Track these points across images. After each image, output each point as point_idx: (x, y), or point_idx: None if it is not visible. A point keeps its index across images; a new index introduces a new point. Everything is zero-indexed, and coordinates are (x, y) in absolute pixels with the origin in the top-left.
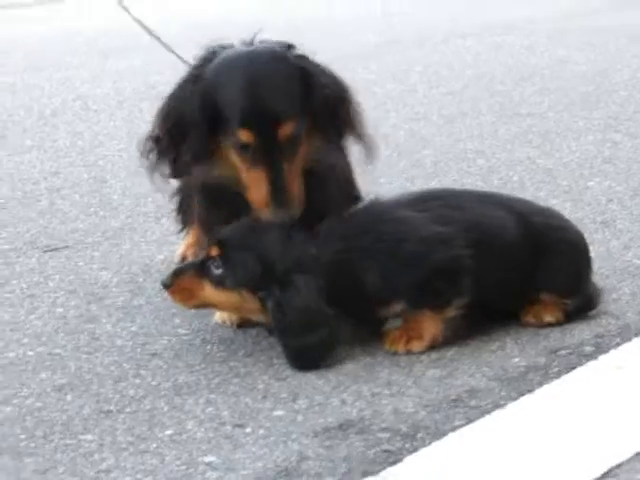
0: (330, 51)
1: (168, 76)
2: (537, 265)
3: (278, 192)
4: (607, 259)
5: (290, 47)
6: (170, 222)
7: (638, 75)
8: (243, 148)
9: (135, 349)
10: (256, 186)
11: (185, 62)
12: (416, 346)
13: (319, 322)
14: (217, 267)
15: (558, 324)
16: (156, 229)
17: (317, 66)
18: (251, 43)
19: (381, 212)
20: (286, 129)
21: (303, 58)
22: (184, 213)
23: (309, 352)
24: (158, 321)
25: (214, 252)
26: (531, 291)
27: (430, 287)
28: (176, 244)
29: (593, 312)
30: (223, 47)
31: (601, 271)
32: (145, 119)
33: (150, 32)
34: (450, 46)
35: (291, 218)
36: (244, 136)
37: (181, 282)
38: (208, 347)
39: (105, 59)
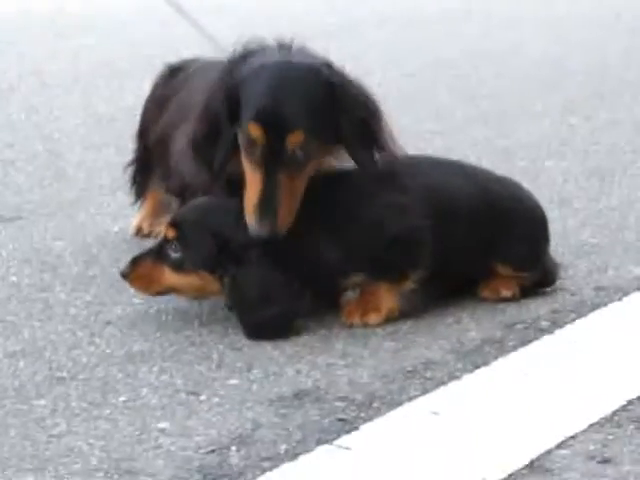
0: (289, 32)
1: (123, 54)
2: (494, 236)
3: (267, 203)
4: (563, 237)
5: (329, 65)
6: (125, 195)
7: (592, 61)
8: (251, 146)
9: (89, 317)
10: (250, 189)
11: (213, 41)
12: (373, 318)
13: (275, 296)
14: (175, 250)
15: (515, 299)
16: (111, 201)
17: (350, 83)
18: (289, 47)
19: (340, 182)
20: (295, 137)
21: (338, 75)
22: (138, 185)
23: (266, 326)
24: (113, 290)
25: (170, 234)
26: (488, 263)
27: (388, 259)
28: (131, 216)
29: (549, 288)
30: (260, 48)
31: (558, 249)
32: (101, 95)
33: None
34: (409, 30)
35: (272, 232)
36: (253, 130)
37: (140, 269)
38: (163, 316)
39: (60, 38)
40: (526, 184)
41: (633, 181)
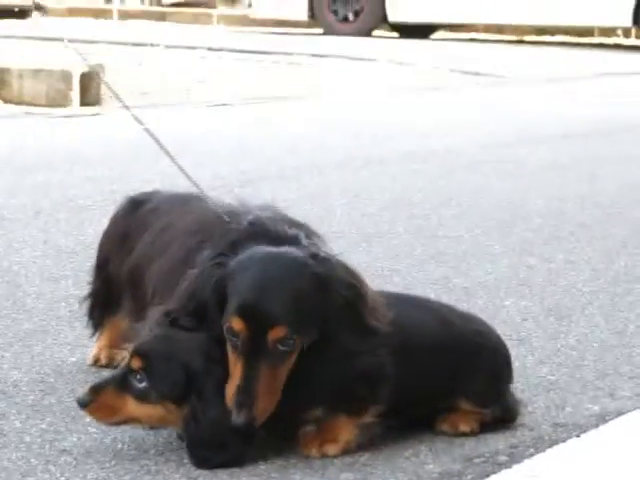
0: (253, 172)
1: (87, 191)
2: (457, 371)
3: (244, 395)
4: (522, 374)
5: (314, 255)
6: (83, 327)
7: (551, 204)
8: (233, 337)
9: (44, 445)
10: (232, 379)
11: (192, 181)
12: (331, 450)
13: (227, 442)
14: (140, 380)
15: (473, 434)
16: (69, 332)
17: (335, 272)
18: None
19: None
20: (276, 333)
21: (324, 265)
22: (97, 317)
23: (213, 465)
24: (69, 419)
25: (136, 365)
26: (450, 397)
27: (349, 393)
28: (89, 347)
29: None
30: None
31: (517, 385)
32: (62, 229)
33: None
34: (369, 171)
35: (249, 421)
36: (235, 324)
37: (101, 399)
38: (119, 445)
39: (20, 175)
40: None
41: (590, 320)
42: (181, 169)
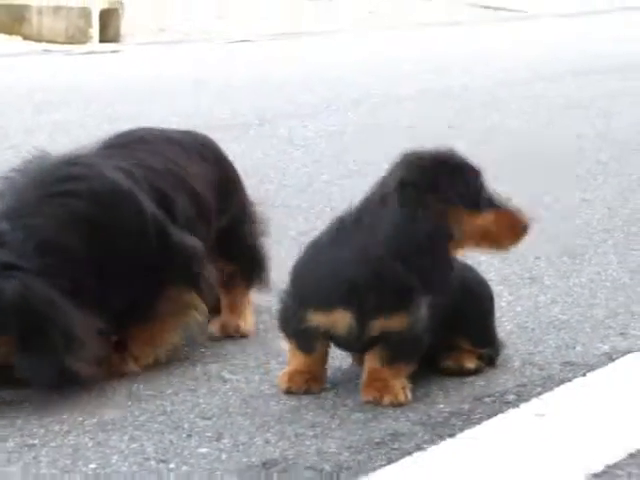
0: (271, 110)
1: (105, 129)
2: (458, 313)
3: None
4: (534, 313)
5: None
6: None
7: (567, 141)
8: None
9: None
10: None
11: None
12: (386, 400)
13: None
14: None
15: (478, 371)
16: None
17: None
18: None
19: None
20: None
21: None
22: None
23: None
24: None
25: None
26: (451, 338)
27: None
28: None
29: (518, 363)
30: None
31: (527, 324)
32: None
33: None
34: (386, 110)
35: None
36: None
37: None
38: (135, 385)
39: (39, 113)
40: (496, 261)
41: (603, 259)
42: None
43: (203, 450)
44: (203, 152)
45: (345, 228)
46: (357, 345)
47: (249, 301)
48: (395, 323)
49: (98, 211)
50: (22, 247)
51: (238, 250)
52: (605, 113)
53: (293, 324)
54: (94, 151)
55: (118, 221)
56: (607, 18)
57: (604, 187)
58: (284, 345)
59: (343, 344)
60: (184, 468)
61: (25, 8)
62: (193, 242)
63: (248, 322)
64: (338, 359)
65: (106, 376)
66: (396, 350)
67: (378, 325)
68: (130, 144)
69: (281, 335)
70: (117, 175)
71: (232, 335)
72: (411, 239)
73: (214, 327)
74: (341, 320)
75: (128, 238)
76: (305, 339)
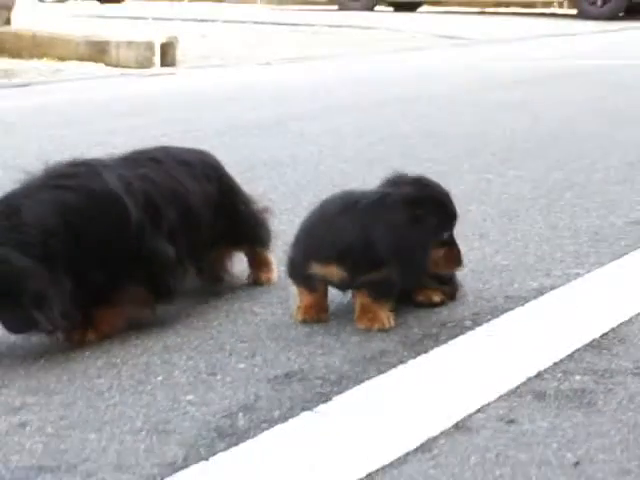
0: (286, 114)
1: (165, 130)
2: None
3: None
4: (482, 260)
5: None
6: None
7: (505, 134)
8: None
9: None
10: None
11: None
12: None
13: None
14: None
15: (443, 304)
16: None
17: None
18: None
19: None
20: None
21: None
22: None
23: None
24: None
25: None
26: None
27: None
28: None
29: (472, 298)
30: None
31: (478, 269)
32: None
33: None
34: (370, 112)
35: None
36: None
37: None
38: (190, 319)
39: (117, 119)
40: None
41: (532, 219)
42: None
43: (241, 365)
44: (208, 172)
45: (348, 202)
46: (347, 288)
47: (271, 259)
48: (377, 276)
49: (84, 202)
50: (8, 223)
51: (245, 230)
52: (534, 113)
53: (299, 271)
54: (108, 160)
55: (102, 213)
56: (534, 42)
57: (531, 166)
58: (294, 288)
59: (337, 287)
60: (227, 379)
61: (106, 43)
62: (167, 250)
63: (272, 273)
64: (339, 296)
65: (69, 342)
66: (378, 291)
67: (363, 278)
68: (141, 159)
69: (290, 280)
70: (112, 179)
71: (262, 283)
72: (409, 239)
73: (249, 279)
74: (335, 273)
75: (108, 230)
76: (309, 282)
